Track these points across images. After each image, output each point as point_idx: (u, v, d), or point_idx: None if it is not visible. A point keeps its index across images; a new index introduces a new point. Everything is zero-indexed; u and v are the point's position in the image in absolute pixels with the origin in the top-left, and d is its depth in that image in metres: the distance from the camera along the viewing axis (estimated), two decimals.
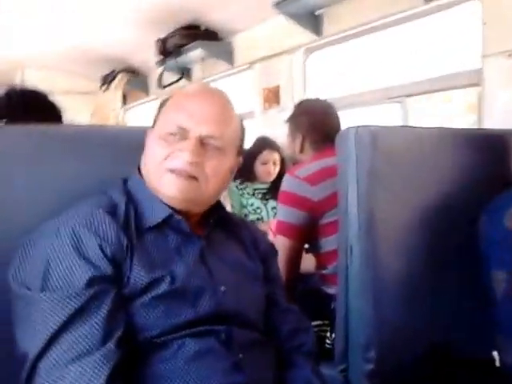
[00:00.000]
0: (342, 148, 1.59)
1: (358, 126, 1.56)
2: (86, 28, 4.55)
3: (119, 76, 5.86)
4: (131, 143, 1.30)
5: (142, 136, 1.25)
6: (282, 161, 3.38)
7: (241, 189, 3.46)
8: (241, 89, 4.77)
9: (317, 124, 2.22)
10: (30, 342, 0.99)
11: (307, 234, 2.06)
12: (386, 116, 3.09)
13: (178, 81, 5.00)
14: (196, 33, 4.33)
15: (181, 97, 1.22)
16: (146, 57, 5.01)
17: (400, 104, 2.88)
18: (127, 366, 1.01)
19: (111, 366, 0.97)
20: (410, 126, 2.38)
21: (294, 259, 2.04)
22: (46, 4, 4.05)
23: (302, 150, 2.25)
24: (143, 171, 1.20)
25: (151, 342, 1.06)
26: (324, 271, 2.06)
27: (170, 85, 5.06)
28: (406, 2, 2.74)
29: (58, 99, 1.73)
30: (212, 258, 1.18)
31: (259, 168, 3.37)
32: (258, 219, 3.42)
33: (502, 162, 1.78)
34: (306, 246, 2.20)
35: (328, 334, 1.91)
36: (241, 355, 1.12)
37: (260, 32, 3.98)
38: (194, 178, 1.14)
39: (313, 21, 3.41)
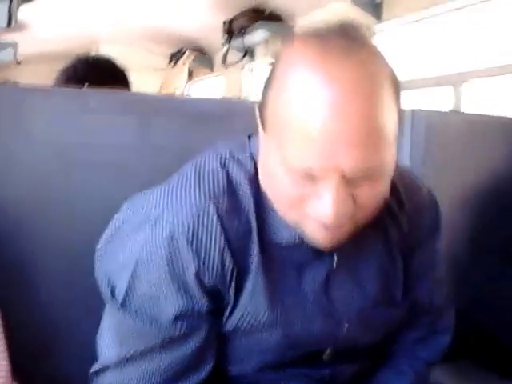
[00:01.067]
0: None
1: (414, 109, 1.57)
2: (159, 7, 4.77)
3: (186, 53, 6.08)
4: (197, 113, 1.30)
5: (208, 107, 1.29)
6: None
7: None
8: None
9: None
10: (104, 348, 0.87)
11: None
12: (439, 102, 3.12)
13: (241, 59, 5.18)
14: (261, 16, 4.47)
15: (308, 95, 0.70)
16: (214, 37, 5.18)
17: (453, 88, 2.88)
18: None
19: None
20: (464, 112, 2.42)
21: None
22: None
23: None
24: (263, 183, 0.83)
25: (240, 379, 0.90)
26: None
27: (234, 63, 5.25)
28: None
29: (131, 74, 1.72)
30: (340, 281, 0.90)
31: None
32: None
33: None
34: None
35: None
36: None
37: (321, 16, 4.09)
38: (347, 222, 0.78)
39: (373, 6, 3.51)
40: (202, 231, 0.79)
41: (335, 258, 0.89)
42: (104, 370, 0.85)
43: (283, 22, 4.51)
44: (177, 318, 0.81)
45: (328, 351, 0.91)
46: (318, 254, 0.86)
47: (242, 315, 0.83)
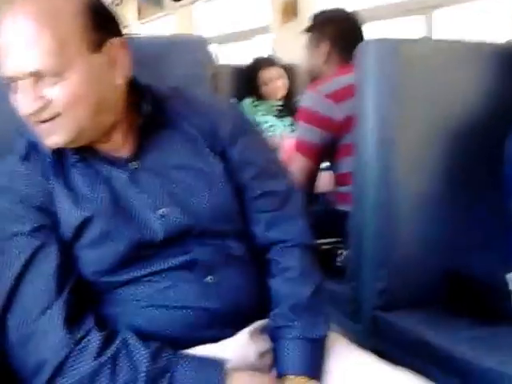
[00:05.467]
0: (361, 62, 1.55)
1: (379, 39, 1.53)
2: None
3: None
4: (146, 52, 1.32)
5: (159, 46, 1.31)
6: (289, 72, 3.40)
7: (255, 105, 3.44)
8: (257, 1, 4.62)
9: (345, 32, 2.13)
10: None
11: (326, 153, 2.03)
12: (410, 31, 2.96)
13: None
14: None
15: None
16: None
17: (425, 17, 2.72)
18: (91, 304, 1.02)
19: (71, 311, 0.97)
20: (433, 39, 2.29)
21: (311, 179, 2.02)
22: None
23: (326, 61, 2.15)
24: None
25: (101, 282, 1.03)
26: (341, 190, 2.03)
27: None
28: None
29: None
30: (146, 178, 1.07)
31: (263, 89, 3.38)
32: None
33: None
34: (324, 165, 2.17)
35: (341, 252, 1.90)
36: (210, 277, 1.05)
37: None
38: (53, 117, 0.97)
39: None
40: (15, 174, 1.03)
41: (132, 162, 1.06)
42: (3, 314, 0.97)
43: None
44: (30, 236, 0.99)
45: (161, 235, 1.03)
46: (113, 163, 1.06)
47: (68, 216, 1.01)
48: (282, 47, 3.75)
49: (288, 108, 3.33)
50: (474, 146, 1.59)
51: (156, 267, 1.03)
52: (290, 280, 1.10)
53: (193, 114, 1.14)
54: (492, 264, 1.44)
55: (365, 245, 1.57)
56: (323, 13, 2.31)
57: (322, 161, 2.10)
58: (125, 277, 1.03)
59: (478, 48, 1.67)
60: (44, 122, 0.97)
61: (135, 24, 6.49)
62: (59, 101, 0.96)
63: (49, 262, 0.99)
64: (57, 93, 0.95)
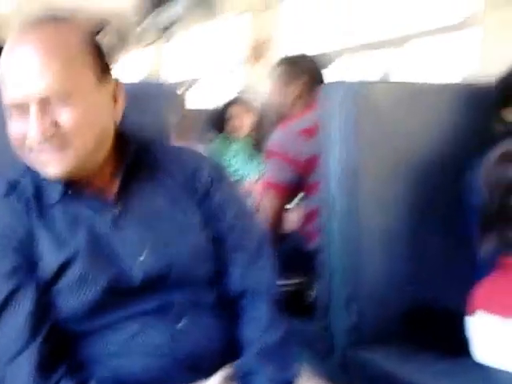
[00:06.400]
0: (324, 102, 1.58)
1: (339, 81, 1.57)
2: None
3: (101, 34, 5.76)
4: None
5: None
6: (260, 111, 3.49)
7: (227, 142, 3.52)
8: (225, 42, 4.69)
9: (314, 74, 2.18)
10: None
11: (294, 192, 2.05)
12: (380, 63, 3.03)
13: (161, 35, 4.94)
14: None
15: (5, 53, 0.99)
16: (126, 14, 4.92)
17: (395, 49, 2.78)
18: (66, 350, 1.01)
19: (43, 358, 0.96)
20: (394, 82, 2.36)
21: (280, 217, 2.03)
22: None
23: (295, 101, 2.17)
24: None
25: (75, 328, 1.02)
26: (308, 228, 2.04)
27: (150, 43, 5.02)
28: None
29: None
30: (128, 224, 1.06)
31: (230, 124, 3.51)
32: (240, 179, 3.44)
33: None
34: (292, 204, 2.19)
35: (310, 292, 1.91)
36: (180, 324, 1.04)
37: None
38: (60, 144, 0.97)
39: None
40: None
41: (115, 206, 1.06)
42: None
43: None
44: (3, 276, 0.98)
45: (138, 281, 1.03)
46: (97, 208, 1.05)
47: (46, 260, 1.00)
48: (253, 86, 3.82)
49: (258, 147, 3.38)
50: (436, 179, 1.62)
51: (128, 312, 1.02)
52: (258, 327, 1.10)
53: (171, 164, 1.15)
54: (456, 297, 1.46)
55: (332, 281, 1.57)
56: (290, 56, 2.35)
57: (291, 200, 2.11)
58: (98, 322, 1.01)
59: (431, 88, 1.73)
60: (48, 150, 0.97)
61: None
62: (67, 127, 0.96)
63: (22, 307, 0.97)
64: (65, 119, 0.96)
